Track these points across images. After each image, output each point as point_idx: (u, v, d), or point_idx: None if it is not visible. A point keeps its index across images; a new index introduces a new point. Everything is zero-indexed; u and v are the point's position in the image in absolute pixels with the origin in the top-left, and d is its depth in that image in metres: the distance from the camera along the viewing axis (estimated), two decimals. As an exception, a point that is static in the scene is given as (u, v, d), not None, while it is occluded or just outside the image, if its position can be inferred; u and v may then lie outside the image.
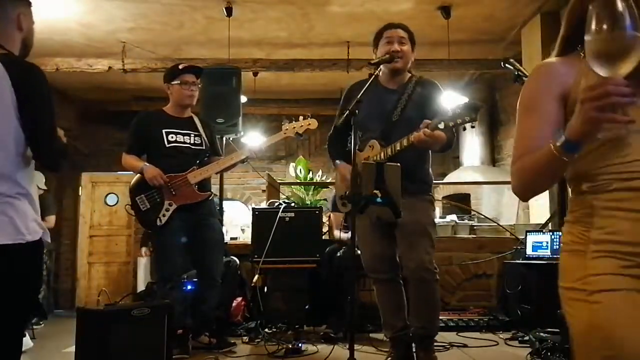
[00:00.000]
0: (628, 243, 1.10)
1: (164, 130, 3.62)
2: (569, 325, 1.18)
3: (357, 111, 2.65)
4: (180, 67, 3.76)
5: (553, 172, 1.14)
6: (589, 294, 1.12)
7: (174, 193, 3.54)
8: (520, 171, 1.18)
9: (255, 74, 6.81)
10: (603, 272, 1.11)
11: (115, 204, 8.63)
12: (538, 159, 1.12)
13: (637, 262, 1.09)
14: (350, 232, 4.28)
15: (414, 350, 3.04)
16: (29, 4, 2.05)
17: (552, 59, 1.25)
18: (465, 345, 3.74)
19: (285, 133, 3.68)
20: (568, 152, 1.05)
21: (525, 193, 1.22)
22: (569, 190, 1.26)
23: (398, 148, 2.84)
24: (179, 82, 3.68)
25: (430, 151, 3.04)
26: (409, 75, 3.11)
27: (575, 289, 1.15)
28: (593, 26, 0.94)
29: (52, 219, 6.12)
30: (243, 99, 5.40)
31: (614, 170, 1.12)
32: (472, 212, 6.11)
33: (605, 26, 0.93)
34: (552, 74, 1.20)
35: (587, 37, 0.96)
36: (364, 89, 2.73)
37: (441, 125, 2.66)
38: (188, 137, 3.68)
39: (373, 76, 2.87)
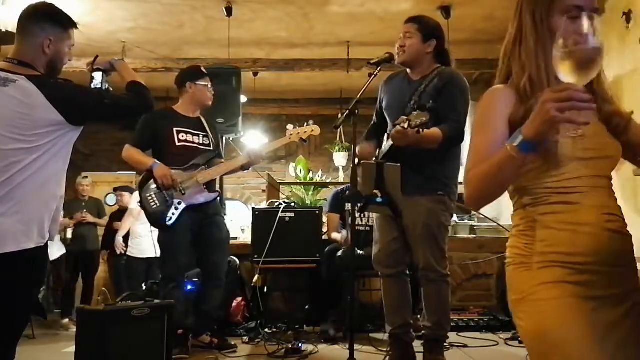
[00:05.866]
0: (567, 253, 1.22)
1: (175, 129, 3.63)
2: (520, 335, 1.27)
3: (357, 111, 2.67)
4: (203, 69, 3.82)
5: (507, 174, 1.21)
6: (536, 303, 1.20)
7: (183, 193, 3.55)
8: (475, 177, 1.26)
9: (255, 74, 6.80)
10: (548, 280, 1.21)
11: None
12: (493, 163, 1.20)
13: (576, 270, 1.21)
14: (343, 232, 4.34)
15: (421, 350, 3.00)
16: (64, 29, 2.10)
17: (501, 85, 1.37)
18: (465, 345, 3.74)
19: (290, 138, 3.76)
20: (523, 152, 1.13)
21: (479, 200, 1.29)
22: (512, 205, 1.35)
23: (387, 142, 2.84)
24: (204, 83, 3.72)
25: (455, 149, 2.99)
26: (436, 66, 2.99)
27: (523, 300, 1.24)
28: (561, 41, 1.07)
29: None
30: (243, 99, 5.40)
31: (552, 185, 1.25)
32: (472, 212, 6.10)
33: (571, 41, 1.06)
34: (503, 97, 1.32)
35: (555, 52, 1.08)
36: (363, 88, 2.74)
37: (405, 125, 2.52)
38: (197, 137, 3.69)
39: (374, 76, 2.88)
